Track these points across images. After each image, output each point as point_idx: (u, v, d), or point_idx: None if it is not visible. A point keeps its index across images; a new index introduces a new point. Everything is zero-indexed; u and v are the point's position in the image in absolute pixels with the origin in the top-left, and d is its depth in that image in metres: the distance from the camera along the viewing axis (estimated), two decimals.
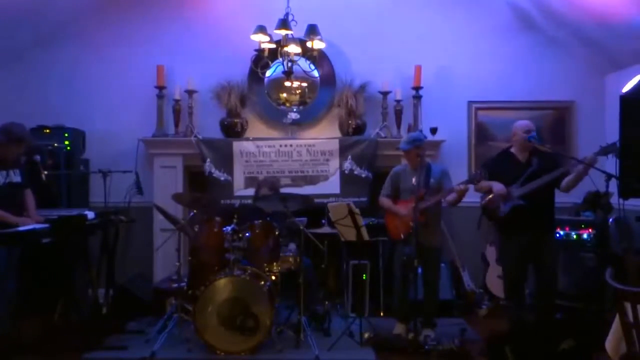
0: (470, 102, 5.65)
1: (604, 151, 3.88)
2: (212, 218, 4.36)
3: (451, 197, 4.12)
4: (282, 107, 5.50)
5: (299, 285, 4.08)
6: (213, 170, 5.36)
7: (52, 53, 5.58)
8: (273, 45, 4.45)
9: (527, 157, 4.03)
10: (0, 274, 3.77)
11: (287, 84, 4.95)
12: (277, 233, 4.31)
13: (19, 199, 4.06)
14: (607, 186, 3.88)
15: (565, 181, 3.88)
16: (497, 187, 3.96)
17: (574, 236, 4.81)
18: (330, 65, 5.50)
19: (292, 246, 4.58)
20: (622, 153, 4.02)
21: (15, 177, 4.07)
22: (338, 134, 5.52)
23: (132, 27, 5.59)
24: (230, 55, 5.43)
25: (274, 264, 4.27)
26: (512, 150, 4.11)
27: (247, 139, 5.43)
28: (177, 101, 5.41)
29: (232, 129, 5.44)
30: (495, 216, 4.11)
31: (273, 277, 4.21)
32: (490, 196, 4.04)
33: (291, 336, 4.08)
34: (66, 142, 5.12)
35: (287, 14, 4.30)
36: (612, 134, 4.45)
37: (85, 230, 4.26)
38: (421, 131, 5.14)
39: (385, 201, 4.39)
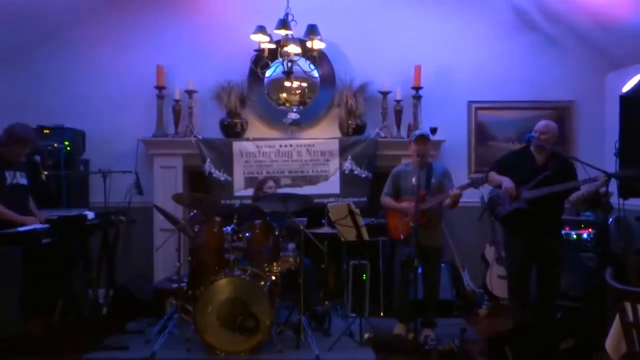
0: (470, 102, 5.65)
1: (474, 184, 3.96)
2: (212, 218, 4.36)
3: (448, 201, 4.12)
4: (282, 107, 5.50)
5: (299, 285, 4.08)
6: (213, 170, 5.36)
7: (52, 53, 5.58)
8: (273, 45, 4.45)
9: (544, 159, 3.95)
10: (12, 272, 3.78)
11: (287, 84, 4.95)
12: (277, 233, 4.31)
13: (22, 201, 4.06)
14: (607, 186, 3.87)
15: (574, 195, 3.83)
16: (508, 184, 3.91)
17: (574, 236, 4.81)
18: (330, 65, 5.50)
19: (292, 246, 4.58)
20: (622, 153, 4.02)
21: (22, 179, 4.09)
22: (338, 134, 5.52)
23: (132, 27, 5.59)
24: (230, 55, 5.43)
25: (274, 264, 4.27)
26: (532, 149, 4.00)
27: (247, 139, 5.44)
28: (177, 101, 5.41)
29: (232, 129, 5.44)
30: (497, 213, 4.11)
31: (273, 277, 4.21)
32: (495, 194, 4.03)
33: (291, 336, 4.08)
34: (66, 142, 5.11)
35: (287, 14, 4.30)
36: (612, 133, 4.46)
37: (85, 230, 4.26)
38: (432, 131, 5.16)
39: (386, 200, 4.39)
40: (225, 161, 5.37)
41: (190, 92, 5.42)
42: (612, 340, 2.59)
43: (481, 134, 5.65)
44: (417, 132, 4.37)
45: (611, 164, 4.12)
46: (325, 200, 4.98)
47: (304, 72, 4.62)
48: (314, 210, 4.65)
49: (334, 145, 5.39)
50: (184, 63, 5.54)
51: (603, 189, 3.87)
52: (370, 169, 5.38)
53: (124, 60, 5.58)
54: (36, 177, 4.21)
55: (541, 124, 3.99)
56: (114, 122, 5.53)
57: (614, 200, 4.20)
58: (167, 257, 5.13)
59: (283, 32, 4.26)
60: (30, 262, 3.95)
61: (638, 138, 3.92)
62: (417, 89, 5.41)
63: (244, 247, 4.18)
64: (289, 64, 4.38)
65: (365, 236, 4.22)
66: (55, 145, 5.03)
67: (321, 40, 4.38)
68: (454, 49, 5.57)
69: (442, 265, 4.55)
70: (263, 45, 4.38)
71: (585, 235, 4.79)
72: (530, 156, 3.99)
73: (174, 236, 4.62)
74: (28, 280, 3.96)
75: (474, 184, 3.99)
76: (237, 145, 5.38)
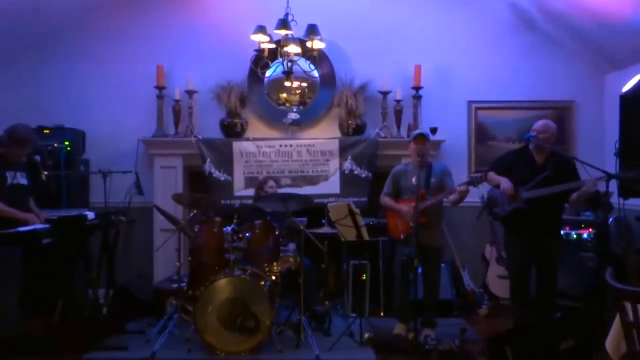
0: (470, 102, 5.65)
1: (472, 182, 3.93)
2: (212, 218, 4.36)
3: (453, 197, 4.12)
4: (282, 107, 5.50)
5: (299, 285, 4.08)
6: (213, 170, 5.36)
7: (52, 53, 5.59)
8: (273, 45, 4.45)
9: (543, 159, 3.93)
10: (13, 272, 3.77)
11: (287, 84, 4.95)
12: (277, 233, 4.31)
13: (22, 201, 4.07)
14: (607, 186, 3.87)
15: (575, 195, 3.79)
16: (506, 185, 3.89)
17: (574, 236, 4.81)
18: (330, 65, 5.50)
19: (292, 246, 4.58)
20: (622, 152, 4.02)
21: (22, 179, 4.09)
22: (338, 134, 5.52)
23: (132, 27, 5.60)
24: (230, 55, 5.43)
25: (274, 264, 4.26)
26: (531, 148, 3.97)
27: (247, 139, 5.44)
28: (177, 101, 5.42)
29: (232, 129, 5.45)
30: (496, 213, 4.11)
31: (273, 277, 4.21)
32: (493, 194, 4.04)
33: (291, 336, 4.08)
34: (66, 142, 5.12)
35: (287, 14, 4.30)
36: (612, 133, 4.46)
37: (85, 230, 4.26)
38: (432, 131, 5.19)
39: (386, 200, 4.39)
40: (225, 161, 5.37)
41: (190, 92, 5.42)
42: (612, 340, 2.60)
43: (481, 134, 5.65)
44: (417, 132, 4.37)
45: (611, 164, 4.12)
46: (325, 200, 4.98)
47: (304, 72, 4.62)
48: (314, 210, 4.65)
49: (334, 145, 5.39)
50: (184, 63, 5.55)
51: (603, 189, 3.87)
52: (370, 169, 5.37)
53: (124, 60, 5.58)
54: (36, 177, 4.21)
55: (540, 123, 3.98)
56: (114, 122, 5.54)
57: (614, 200, 4.21)
58: (167, 257, 5.13)
59: (283, 32, 4.25)
60: (30, 262, 3.95)
61: (638, 138, 3.93)
62: (417, 89, 5.41)
63: (244, 247, 4.18)
64: (289, 64, 4.38)
65: (365, 236, 4.22)
66: (55, 145, 5.04)
67: (321, 40, 4.37)
68: (454, 49, 5.57)
69: (442, 265, 4.55)
70: (263, 45, 4.38)
71: (585, 235, 4.79)
72: (529, 156, 3.98)
73: (174, 236, 4.61)
74: (28, 280, 3.96)
75: (473, 182, 3.98)
76: (237, 145, 5.38)
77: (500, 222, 4.25)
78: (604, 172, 3.66)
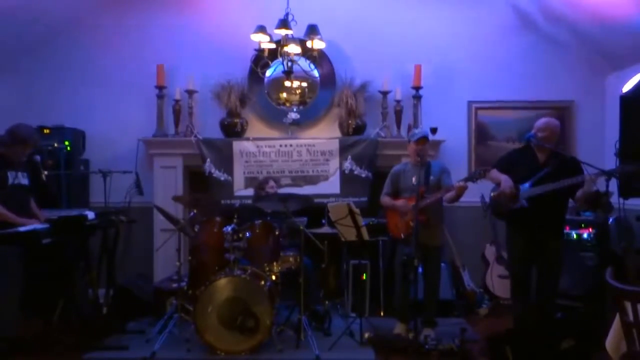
0: (470, 102, 5.65)
1: (472, 177, 3.93)
2: (212, 218, 4.37)
3: (449, 194, 4.11)
4: (282, 107, 5.50)
5: (299, 285, 4.08)
6: (213, 170, 5.36)
7: (52, 53, 5.59)
8: (273, 45, 4.46)
9: (545, 157, 3.92)
10: (13, 272, 3.78)
11: (287, 83, 4.96)
12: (277, 233, 4.31)
13: (23, 201, 4.07)
14: (607, 186, 3.87)
15: (579, 193, 3.77)
16: (506, 184, 3.89)
17: (574, 236, 4.81)
18: (330, 65, 5.50)
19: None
20: (622, 153, 4.01)
21: (23, 179, 4.09)
22: (338, 133, 5.52)
23: (132, 26, 5.60)
24: (230, 55, 5.43)
25: (274, 263, 4.27)
26: (532, 146, 3.96)
27: (247, 139, 5.44)
28: (177, 101, 5.42)
29: (232, 129, 5.45)
30: (499, 211, 4.10)
31: (273, 277, 4.21)
32: (496, 193, 4.02)
33: (291, 336, 4.08)
34: (66, 142, 5.13)
35: (287, 14, 4.30)
36: (612, 134, 4.46)
37: (85, 230, 4.26)
38: (432, 131, 5.19)
39: (386, 199, 4.40)
40: (226, 161, 5.37)
41: (190, 92, 5.42)
42: (613, 339, 2.60)
43: (481, 134, 5.66)
44: (418, 133, 4.35)
45: (611, 164, 4.11)
46: (325, 200, 4.99)
47: (304, 71, 4.63)
48: (314, 210, 4.65)
49: (334, 145, 5.39)
50: (184, 63, 5.55)
51: (602, 188, 3.86)
52: (370, 168, 5.37)
53: (124, 60, 5.58)
54: (36, 177, 4.22)
55: (541, 121, 3.97)
56: (114, 122, 5.54)
57: (614, 200, 4.20)
58: (167, 257, 5.12)
59: (283, 32, 4.26)
60: (30, 262, 3.95)
61: (638, 138, 3.92)
62: (417, 88, 5.41)
63: (244, 247, 4.18)
64: (289, 64, 4.39)
65: (365, 236, 4.21)
66: (55, 145, 5.05)
67: (321, 39, 4.38)
68: (454, 49, 5.58)
69: (442, 265, 4.54)
70: (263, 45, 4.39)
71: (585, 235, 4.79)
72: (532, 154, 3.98)
73: (174, 236, 4.61)
74: (28, 280, 3.96)
75: (472, 177, 3.97)
76: (237, 145, 5.38)
77: (504, 220, 4.22)
78: (600, 170, 3.64)
